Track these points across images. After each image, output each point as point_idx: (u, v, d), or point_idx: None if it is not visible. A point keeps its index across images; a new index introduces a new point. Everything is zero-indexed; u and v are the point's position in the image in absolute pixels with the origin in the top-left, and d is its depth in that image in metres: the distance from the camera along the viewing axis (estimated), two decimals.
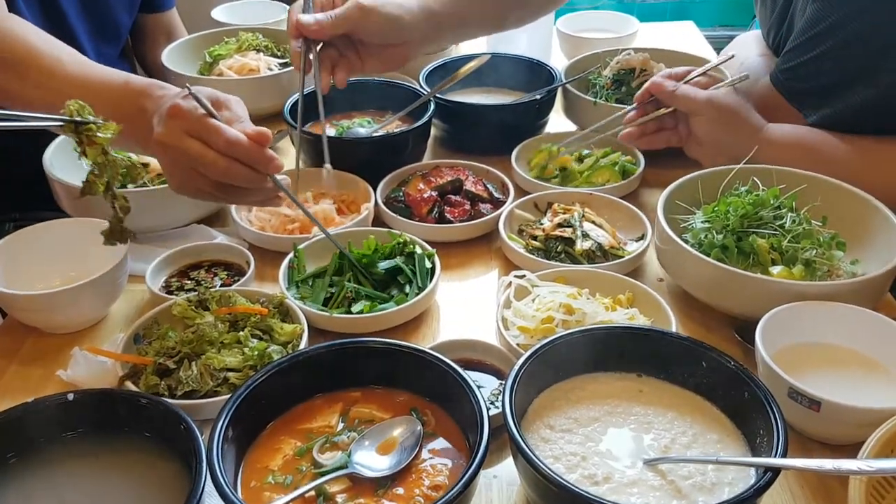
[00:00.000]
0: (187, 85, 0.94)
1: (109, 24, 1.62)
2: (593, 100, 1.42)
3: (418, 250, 1.12)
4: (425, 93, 1.41)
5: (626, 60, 1.49)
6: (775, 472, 0.70)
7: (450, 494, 0.68)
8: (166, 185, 1.20)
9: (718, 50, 1.66)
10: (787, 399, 0.83)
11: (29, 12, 1.41)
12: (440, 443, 0.81)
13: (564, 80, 1.47)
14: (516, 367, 0.82)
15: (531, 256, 1.13)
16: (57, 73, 1.05)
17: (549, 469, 0.71)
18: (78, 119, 0.85)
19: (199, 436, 0.74)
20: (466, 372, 0.82)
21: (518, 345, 0.96)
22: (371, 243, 1.11)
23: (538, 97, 1.42)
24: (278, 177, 0.97)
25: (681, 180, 1.14)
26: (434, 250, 1.12)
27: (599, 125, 1.34)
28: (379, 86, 1.49)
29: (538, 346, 0.85)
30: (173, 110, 0.92)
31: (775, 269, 1.02)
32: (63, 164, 1.25)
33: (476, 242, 1.23)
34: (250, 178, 0.93)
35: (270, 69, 1.63)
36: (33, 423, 0.78)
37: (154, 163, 1.24)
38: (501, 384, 0.93)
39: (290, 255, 1.12)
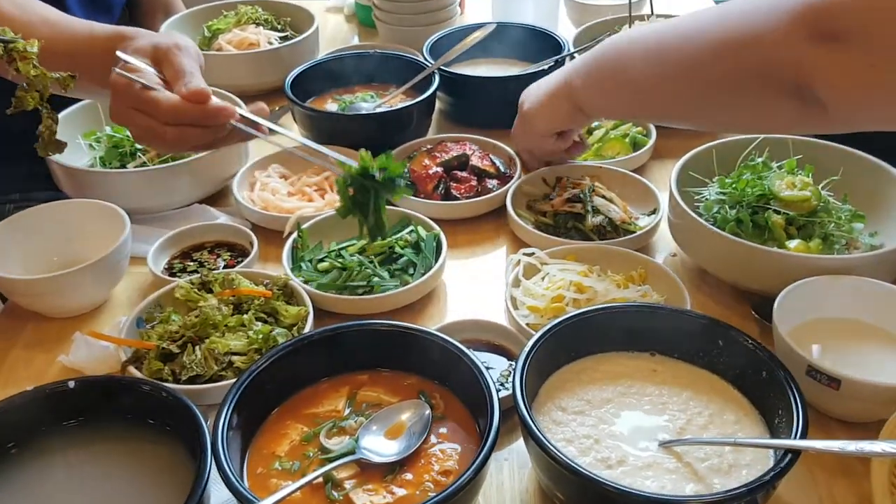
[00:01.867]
0: (119, 53, 0.90)
1: None
2: None
3: (422, 232, 1.09)
4: (429, 65, 1.38)
5: None
6: (795, 453, 0.68)
7: (461, 480, 0.66)
8: (166, 166, 1.18)
9: None
10: (805, 377, 0.81)
11: None
12: (449, 427, 0.80)
13: (573, 49, 1.42)
14: (526, 349, 0.80)
15: (540, 233, 1.10)
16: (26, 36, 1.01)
17: (562, 453, 0.69)
18: (5, 38, 0.85)
19: (203, 422, 0.72)
20: (475, 353, 0.80)
21: (528, 324, 0.94)
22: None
23: (545, 67, 1.38)
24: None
25: (695, 151, 1.10)
26: (439, 230, 1.09)
27: None
28: (382, 58, 1.45)
29: (548, 326, 0.83)
30: (113, 86, 0.88)
31: (792, 244, 0.99)
32: None
33: (483, 219, 1.20)
34: (205, 136, 0.89)
35: (270, 43, 1.59)
36: (34, 412, 0.77)
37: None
38: (511, 365, 0.91)
39: (294, 234, 1.09)
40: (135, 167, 1.21)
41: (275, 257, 1.12)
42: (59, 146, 0.94)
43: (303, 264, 1.07)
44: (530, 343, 0.80)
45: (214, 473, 0.70)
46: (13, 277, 0.98)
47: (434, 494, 0.66)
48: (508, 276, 1.02)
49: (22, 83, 0.87)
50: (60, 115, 1.24)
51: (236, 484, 0.67)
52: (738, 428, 0.78)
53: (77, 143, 1.26)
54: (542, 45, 1.48)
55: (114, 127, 1.24)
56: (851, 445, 0.65)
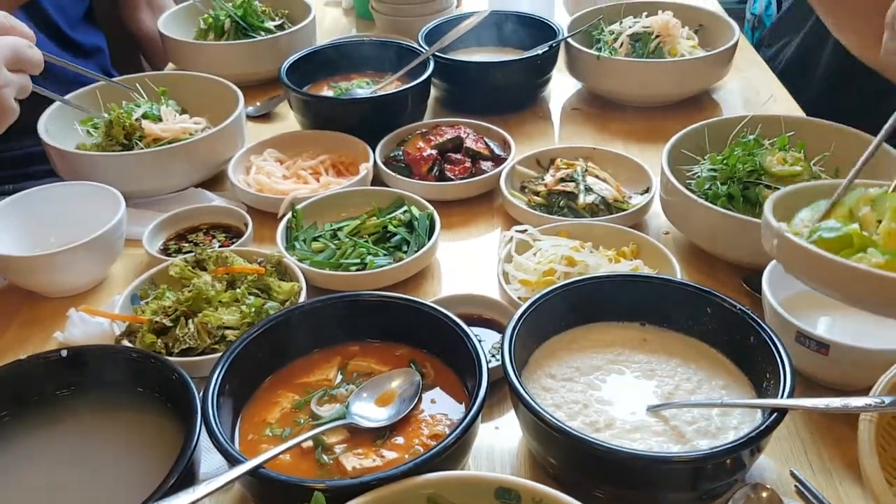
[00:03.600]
0: None
1: None
2: (597, 54, 1.39)
3: (416, 212, 1.10)
4: (424, 52, 1.39)
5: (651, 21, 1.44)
6: (781, 412, 0.68)
7: (450, 437, 0.67)
8: (162, 148, 1.19)
9: (731, 13, 1.61)
10: (794, 344, 0.81)
11: None
12: (439, 394, 0.80)
13: (566, 35, 1.43)
14: (516, 317, 0.80)
15: (533, 212, 1.11)
16: None
17: (551, 415, 0.70)
18: None
19: (193, 387, 0.73)
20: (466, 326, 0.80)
21: (519, 298, 0.94)
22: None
23: (539, 52, 1.39)
24: None
25: (687, 129, 1.11)
26: (433, 210, 1.10)
27: None
28: (377, 46, 1.46)
29: (538, 295, 0.83)
30: None
31: None
32: (57, 130, 1.24)
33: (477, 200, 1.21)
34: None
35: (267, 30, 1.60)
36: (27, 380, 0.77)
37: (150, 128, 1.23)
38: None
39: (289, 214, 1.10)
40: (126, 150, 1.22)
41: (269, 238, 1.13)
42: None
43: (297, 244, 1.08)
44: (520, 311, 0.81)
45: (206, 443, 0.70)
46: (10, 255, 0.99)
47: (423, 452, 0.67)
48: (501, 252, 1.02)
49: None
50: (54, 106, 1.25)
51: (225, 444, 0.68)
52: (726, 393, 0.78)
53: (74, 129, 1.28)
54: (536, 32, 1.49)
55: (110, 114, 1.25)
56: (837, 401, 0.65)
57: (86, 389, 0.78)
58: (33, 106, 1.21)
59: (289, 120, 1.46)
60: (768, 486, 0.70)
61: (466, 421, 0.69)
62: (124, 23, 1.84)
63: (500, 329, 0.94)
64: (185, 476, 0.66)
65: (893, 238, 0.62)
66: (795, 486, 0.74)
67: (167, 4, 1.80)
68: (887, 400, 0.63)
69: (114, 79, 1.32)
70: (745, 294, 0.99)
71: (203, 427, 0.70)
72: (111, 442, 0.77)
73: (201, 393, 0.74)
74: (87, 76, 1.30)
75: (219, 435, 0.68)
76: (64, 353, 0.78)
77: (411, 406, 0.77)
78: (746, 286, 0.98)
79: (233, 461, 0.67)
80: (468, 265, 1.10)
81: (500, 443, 0.83)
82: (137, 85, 1.32)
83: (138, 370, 0.77)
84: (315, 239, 1.08)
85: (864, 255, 0.62)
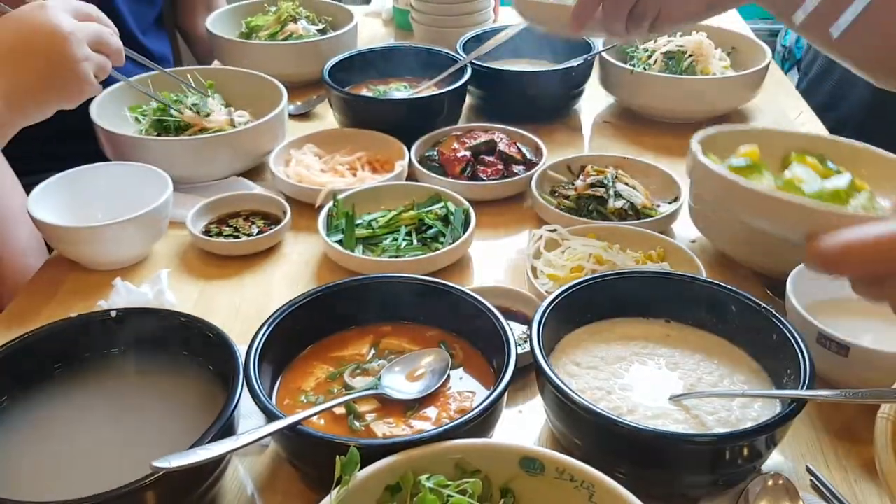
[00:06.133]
0: None
1: None
2: (630, 69, 1.43)
3: (451, 207, 1.13)
4: (462, 59, 1.43)
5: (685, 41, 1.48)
6: (800, 403, 0.70)
7: (479, 408, 0.70)
8: (208, 136, 1.24)
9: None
10: (815, 345, 0.83)
11: None
12: (467, 374, 0.83)
13: (601, 49, 1.47)
14: (545, 304, 0.83)
15: (563, 213, 1.14)
16: None
17: (576, 393, 0.72)
18: None
19: (236, 350, 0.77)
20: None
21: (547, 292, 0.97)
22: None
23: (574, 64, 1.43)
24: None
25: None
26: (468, 205, 1.13)
27: None
28: (416, 53, 1.51)
29: (567, 286, 0.86)
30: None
31: None
32: (107, 115, 1.29)
33: (508, 202, 1.24)
34: None
35: (310, 35, 1.66)
36: (78, 337, 0.81)
37: (194, 118, 1.28)
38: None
39: (330, 203, 1.14)
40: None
41: (306, 227, 1.17)
42: None
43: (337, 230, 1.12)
44: (549, 299, 0.84)
45: (244, 409, 0.73)
46: (60, 225, 1.04)
47: (449, 421, 0.70)
48: (530, 249, 1.05)
49: None
50: (106, 91, 1.31)
51: (265, 402, 0.71)
52: (747, 387, 0.80)
53: (124, 115, 1.33)
54: (572, 46, 1.53)
55: (158, 102, 1.31)
56: (855, 392, 0.67)
57: (134, 350, 0.82)
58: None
59: (327, 119, 1.51)
60: (785, 476, 0.72)
61: (495, 394, 0.72)
62: (179, 25, 1.91)
63: (527, 321, 0.97)
64: (226, 431, 0.69)
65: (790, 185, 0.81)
66: (811, 480, 0.76)
67: (221, 5, 1.87)
68: None
69: (166, 69, 1.37)
70: (769, 300, 1.00)
71: (244, 388, 0.73)
72: (155, 401, 0.80)
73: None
74: (143, 66, 1.35)
75: (260, 393, 0.72)
76: (114, 313, 0.82)
77: (440, 382, 0.80)
78: (770, 292, 1.01)
79: (272, 417, 0.70)
80: (498, 262, 1.13)
81: (523, 427, 0.86)
82: (189, 76, 1.37)
83: (184, 333, 0.81)
84: (356, 226, 1.12)
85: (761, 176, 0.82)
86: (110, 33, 1.08)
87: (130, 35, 1.64)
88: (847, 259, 0.60)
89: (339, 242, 1.09)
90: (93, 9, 1.08)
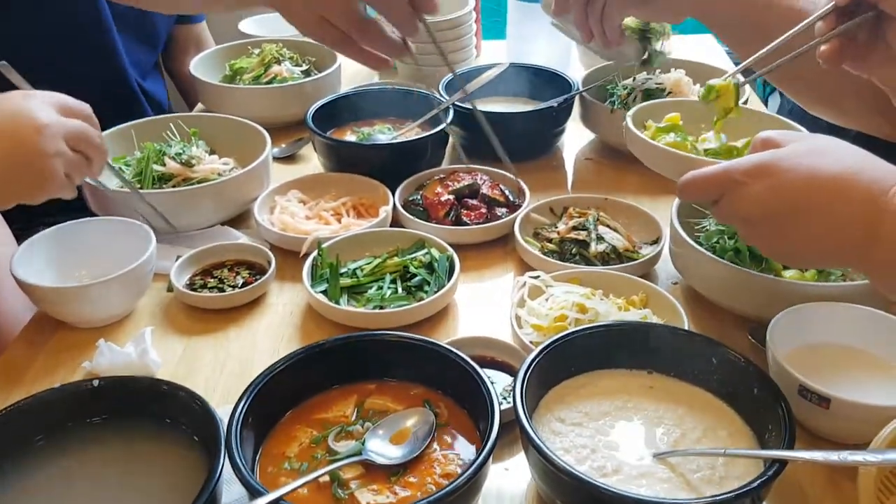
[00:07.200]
0: None
1: (150, 33, 1.68)
2: (610, 107, 1.44)
3: (435, 253, 1.14)
4: (445, 101, 1.44)
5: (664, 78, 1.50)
6: (782, 463, 0.71)
7: (462, 478, 0.70)
8: (190, 188, 1.24)
9: (738, 65, 1.66)
10: (797, 396, 0.84)
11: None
12: (452, 435, 0.83)
13: (581, 89, 1.49)
14: (528, 361, 0.83)
15: (546, 258, 1.14)
16: None
17: (560, 458, 0.73)
18: None
19: (219, 421, 0.77)
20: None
21: (531, 342, 0.97)
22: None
23: (555, 104, 1.44)
24: None
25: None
26: (453, 252, 1.14)
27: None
28: (399, 94, 1.52)
29: (550, 340, 0.86)
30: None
31: (788, 273, 1.03)
32: None
33: (492, 245, 1.25)
34: None
35: (294, 77, 1.67)
36: (60, 407, 0.81)
37: (178, 169, 1.28)
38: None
39: (314, 253, 1.15)
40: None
41: (291, 276, 1.17)
42: None
43: (321, 281, 1.12)
44: (532, 355, 0.84)
45: (227, 475, 0.74)
46: (44, 286, 1.04)
47: (436, 490, 0.70)
48: (514, 297, 1.06)
49: None
50: None
51: (248, 477, 0.71)
52: (730, 443, 0.81)
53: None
54: (553, 85, 1.54)
55: (142, 152, 1.31)
56: (835, 455, 0.67)
57: (116, 419, 0.82)
58: None
59: (312, 162, 1.52)
60: None
61: (477, 463, 0.72)
62: (169, 67, 1.92)
63: (512, 372, 0.98)
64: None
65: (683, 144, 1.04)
66: None
67: (211, 47, 1.88)
68: (882, 456, 0.66)
69: (147, 118, 1.38)
70: (750, 347, 1.01)
71: (227, 460, 0.73)
72: (137, 471, 0.80)
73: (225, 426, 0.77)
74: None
75: (242, 468, 0.72)
76: (95, 382, 0.82)
77: (425, 445, 0.80)
78: (752, 338, 1.01)
79: (255, 493, 0.70)
80: (482, 307, 1.14)
81: (509, 484, 0.86)
82: (171, 125, 1.38)
83: (167, 402, 0.81)
84: (341, 275, 1.12)
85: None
86: (96, 134, 1.01)
87: (132, 81, 1.66)
88: (691, 187, 0.81)
89: (324, 293, 1.10)
90: (84, 107, 1.02)
